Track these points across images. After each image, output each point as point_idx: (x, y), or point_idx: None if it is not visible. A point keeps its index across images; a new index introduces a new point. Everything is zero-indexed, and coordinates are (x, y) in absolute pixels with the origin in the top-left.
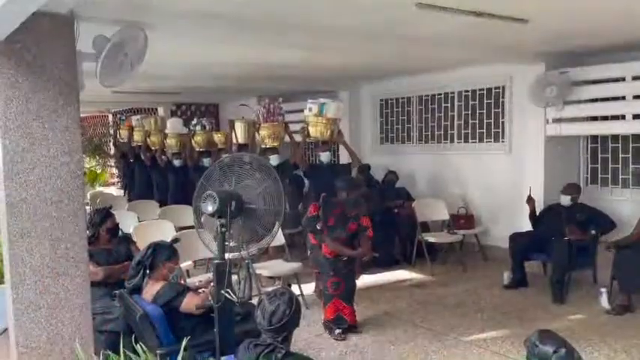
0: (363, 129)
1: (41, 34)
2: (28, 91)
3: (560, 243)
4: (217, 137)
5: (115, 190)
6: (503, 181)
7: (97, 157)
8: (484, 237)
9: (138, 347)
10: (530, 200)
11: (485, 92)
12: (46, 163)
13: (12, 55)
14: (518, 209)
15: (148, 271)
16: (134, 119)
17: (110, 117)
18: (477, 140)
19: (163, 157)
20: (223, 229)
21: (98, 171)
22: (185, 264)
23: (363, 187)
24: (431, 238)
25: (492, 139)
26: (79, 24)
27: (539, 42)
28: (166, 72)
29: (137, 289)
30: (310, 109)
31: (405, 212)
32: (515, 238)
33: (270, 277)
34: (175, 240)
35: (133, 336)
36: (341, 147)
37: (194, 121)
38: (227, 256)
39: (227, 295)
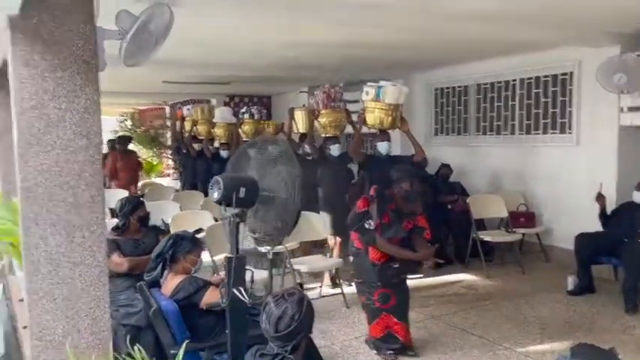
0: (417, 120)
1: (58, 9)
2: (44, 70)
3: (634, 245)
4: (268, 127)
5: (168, 181)
6: (569, 176)
7: (154, 149)
8: (547, 237)
9: (135, 349)
10: (600, 197)
11: (550, 79)
12: (63, 146)
13: (27, 30)
14: (586, 207)
15: (168, 264)
16: (185, 109)
17: (167, 109)
18: (541, 131)
19: (211, 147)
20: (237, 220)
21: (154, 162)
22: (220, 256)
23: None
24: (486, 236)
25: (558, 130)
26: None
27: (613, 19)
28: (213, 58)
29: (157, 282)
30: (367, 94)
31: (460, 208)
32: (581, 238)
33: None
34: (198, 231)
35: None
36: (399, 136)
37: (243, 109)
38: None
39: (238, 294)
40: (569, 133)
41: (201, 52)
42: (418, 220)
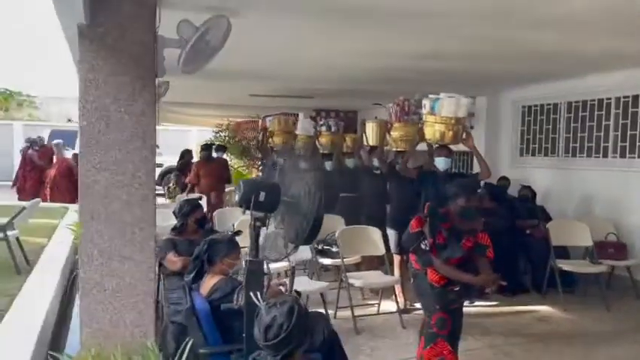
0: (502, 139)
1: (123, 18)
2: (106, 74)
3: None
4: (348, 139)
5: None
6: None
7: (244, 159)
8: (639, 271)
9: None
10: None
11: None
12: (120, 146)
13: (94, 38)
14: None
15: (206, 267)
16: (268, 120)
17: (260, 122)
18: (637, 155)
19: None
20: (258, 224)
21: (244, 172)
22: (282, 264)
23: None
24: (566, 266)
25: None
26: (162, 9)
27: None
28: (289, 71)
29: (197, 282)
30: (424, 107)
31: (540, 234)
32: None
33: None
34: (236, 233)
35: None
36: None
37: (321, 122)
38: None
39: (255, 298)
40: None
41: (276, 65)
42: (479, 237)
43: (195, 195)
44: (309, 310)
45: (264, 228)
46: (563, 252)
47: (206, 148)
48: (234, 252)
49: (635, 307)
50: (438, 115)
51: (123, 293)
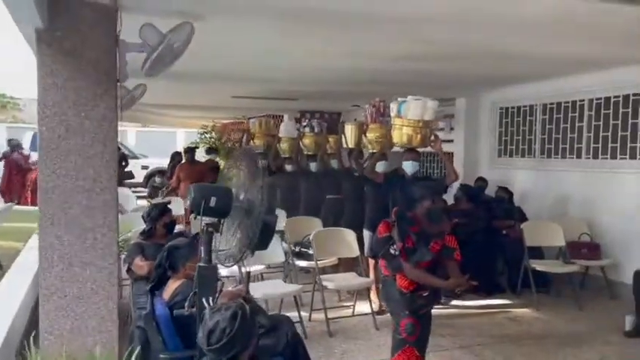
0: (481, 140)
1: (82, 23)
2: (66, 79)
3: None
4: (331, 140)
5: None
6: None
7: (230, 160)
8: (613, 271)
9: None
10: None
11: (621, 99)
12: (80, 151)
13: (52, 42)
14: None
15: (169, 273)
16: (251, 122)
17: (245, 124)
18: (609, 156)
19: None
20: (210, 229)
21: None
22: (255, 267)
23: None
24: (539, 266)
25: (628, 156)
26: (124, 13)
27: None
28: (266, 74)
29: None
30: (391, 110)
31: (515, 234)
32: None
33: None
34: (195, 236)
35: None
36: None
37: (304, 123)
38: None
39: (206, 303)
40: None
41: (252, 67)
42: (447, 240)
43: (165, 199)
44: (275, 314)
45: (218, 233)
46: (538, 252)
47: (189, 150)
48: (196, 255)
49: (608, 306)
50: (405, 118)
51: (84, 299)
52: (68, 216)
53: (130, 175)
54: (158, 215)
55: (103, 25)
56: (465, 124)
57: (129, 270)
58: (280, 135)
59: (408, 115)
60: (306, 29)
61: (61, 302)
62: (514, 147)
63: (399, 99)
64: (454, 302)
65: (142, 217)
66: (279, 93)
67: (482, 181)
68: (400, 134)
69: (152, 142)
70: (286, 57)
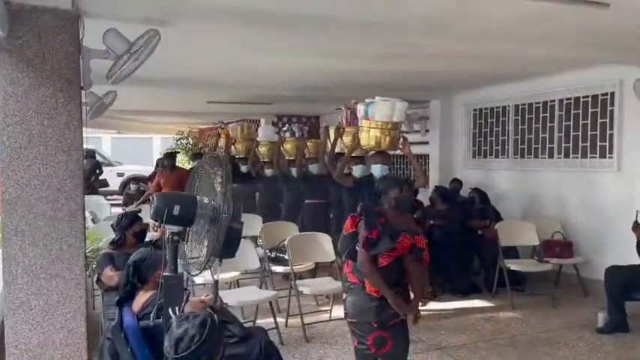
0: (456, 141)
1: (43, 30)
2: (27, 88)
3: None
4: (309, 145)
5: None
6: (610, 204)
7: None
8: (586, 269)
9: None
10: (637, 227)
11: (590, 99)
12: (44, 160)
13: (13, 50)
14: (630, 238)
15: (139, 285)
16: (231, 127)
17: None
18: (580, 155)
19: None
20: (175, 238)
21: None
22: (231, 274)
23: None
24: (513, 265)
25: (597, 154)
26: (87, 19)
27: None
28: (240, 78)
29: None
30: (359, 112)
31: (491, 235)
32: (612, 271)
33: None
34: (155, 243)
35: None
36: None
37: (284, 127)
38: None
39: (172, 312)
40: (610, 157)
41: (222, 72)
42: (416, 239)
43: (135, 208)
44: (253, 326)
45: (184, 242)
46: (514, 252)
47: (169, 156)
48: (161, 262)
49: (581, 304)
50: (373, 120)
51: (51, 312)
52: (32, 227)
53: (105, 183)
54: (128, 224)
55: (66, 31)
56: (440, 126)
57: (98, 280)
58: (259, 139)
59: (376, 117)
60: (276, 33)
61: (27, 316)
62: (488, 148)
63: (367, 100)
64: (430, 305)
65: (111, 226)
66: (255, 97)
67: (456, 183)
68: (368, 137)
69: (128, 149)
70: (257, 61)
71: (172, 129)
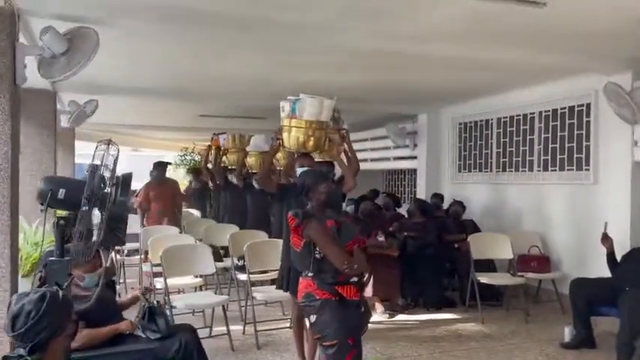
0: (443, 155)
1: None
2: None
3: (635, 294)
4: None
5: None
6: (588, 217)
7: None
8: (565, 284)
9: None
10: (605, 239)
11: (567, 111)
12: None
13: None
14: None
15: None
16: (222, 138)
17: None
18: (558, 168)
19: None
20: (61, 222)
21: None
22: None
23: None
24: (484, 278)
25: (574, 167)
26: (23, 16)
27: (621, 43)
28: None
29: None
30: (283, 109)
31: (467, 248)
32: (578, 284)
33: None
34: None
35: None
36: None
37: (272, 135)
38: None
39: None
40: (587, 169)
41: (202, 83)
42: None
43: (148, 227)
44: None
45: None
46: (491, 265)
47: (159, 166)
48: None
49: (555, 319)
50: (300, 119)
51: None
52: None
53: None
54: None
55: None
56: (427, 141)
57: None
58: (248, 149)
59: (304, 115)
60: (236, 39)
61: None
62: (472, 162)
63: (291, 97)
64: (399, 317)
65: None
66: (246, 110)
67: (437, 198)
68: (291, 137)
69: (142, 166)
70: (227, 69)
71: (176, 145)
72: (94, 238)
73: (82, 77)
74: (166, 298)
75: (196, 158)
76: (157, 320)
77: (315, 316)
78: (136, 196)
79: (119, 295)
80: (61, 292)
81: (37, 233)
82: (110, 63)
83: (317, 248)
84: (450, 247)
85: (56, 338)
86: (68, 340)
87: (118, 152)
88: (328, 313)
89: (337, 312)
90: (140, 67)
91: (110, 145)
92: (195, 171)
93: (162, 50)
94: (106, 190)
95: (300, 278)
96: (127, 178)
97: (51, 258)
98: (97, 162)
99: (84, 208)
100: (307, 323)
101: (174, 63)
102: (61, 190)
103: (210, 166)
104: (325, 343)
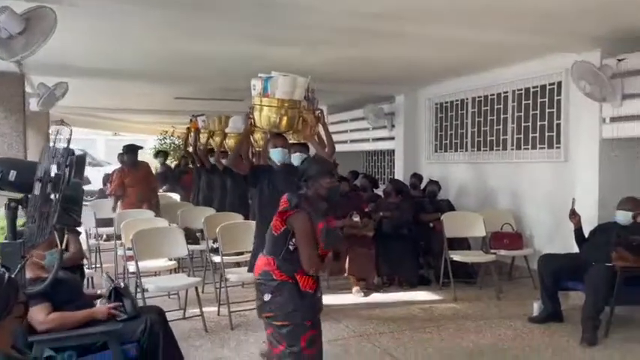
0: (420, 136)
1: None
2: None
3: (600, 269)
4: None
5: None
6: (559, 195)
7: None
8: (536, 260)
9: None
10: (573, 215)
11: (539, 89)
12: None
13: None
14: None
15: None
16: (200, 120)
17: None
18: (530, 147)
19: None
20: (12, 204)
21: None
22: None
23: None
24: (456, 256)
25: (546, 145)
26: None
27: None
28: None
29: None
30: (254, 88)
31: (441, 227)
32: (545, 260)
33: None
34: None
35: None
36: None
37: (245, 115)
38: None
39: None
40: (558, 147)
41: (171, 64)
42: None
43: (121, 211)
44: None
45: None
46: (465, 243)
47: (130, 150)
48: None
49: (527, 296)
50: (272, 97)
51: None
52: None
53: (86, 181)
54: None
55: None
56: (405, 122)
57: None
58: (227, 130)
59: (276, 94)
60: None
61: None
62: (448, 142)
63: (262, 75)
64: (372, 296)
65: None
66: (221, 92)
67: (415, 178)
68: (262, 116)
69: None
70: (195, 49)
71: (154, 129)
72: (48, 219)
73: (50, 58)
74: (138, 281)
75: (176, 142)
76: (124, 301)
77: (269, 295)
78: (110, 182)
79: (91, 279)
80: (7, 275)
81: None
82: (76, 43)
83: (293, 240)
84: (425, 227)
85: (2, 320)
86: (17, 322)
87: (71, 133)
88: (285, 295)
89: (293, 296)
90: (107, 48)
91: (62, 126)
92: (161, 153)
93: (128, 31)
94: (58, 172)
95: (260, 255)
96: (81, 159)
97: (3, 241)
98: (50, 144)
99: (36, 191)
100: (257, 301)
101: (142, 44)
102: (12, 171)
103: (190, 149)
104: (276, 323)
